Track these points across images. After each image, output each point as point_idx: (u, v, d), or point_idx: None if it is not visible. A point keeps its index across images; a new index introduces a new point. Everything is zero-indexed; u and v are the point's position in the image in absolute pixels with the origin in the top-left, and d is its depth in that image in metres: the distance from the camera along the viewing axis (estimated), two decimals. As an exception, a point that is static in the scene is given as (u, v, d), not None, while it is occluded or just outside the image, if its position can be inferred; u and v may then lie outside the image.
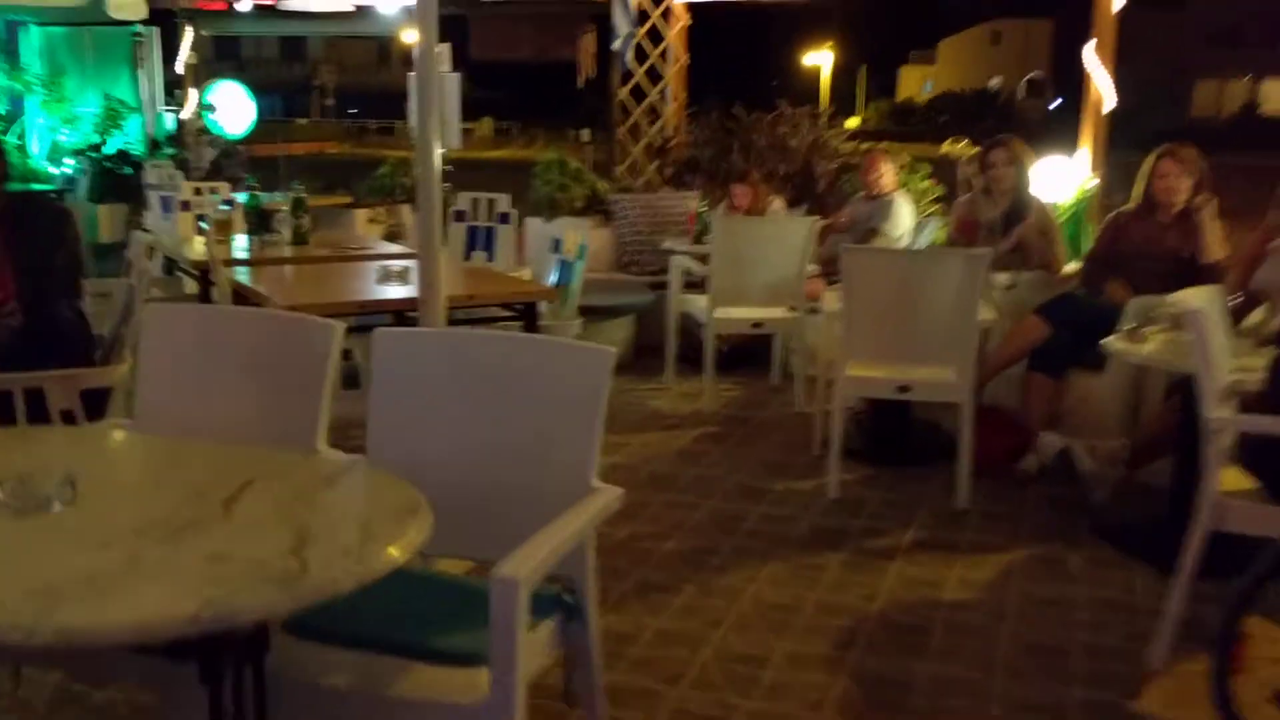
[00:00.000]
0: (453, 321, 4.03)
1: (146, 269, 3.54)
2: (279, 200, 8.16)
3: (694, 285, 5.98)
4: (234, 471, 1.95)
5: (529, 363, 2.24)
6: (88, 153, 9.66)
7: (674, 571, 3.59)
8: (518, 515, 2.24)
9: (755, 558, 3.71)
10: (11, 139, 9.90)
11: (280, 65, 50.24)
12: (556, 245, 4.26)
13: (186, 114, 9.91)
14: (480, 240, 5.36)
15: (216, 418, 2.50)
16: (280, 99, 48.22)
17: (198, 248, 4.58)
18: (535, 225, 7.58)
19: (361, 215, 8.15)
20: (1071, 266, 5.39)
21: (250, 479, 1.91)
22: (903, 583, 3.55)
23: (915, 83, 68.07)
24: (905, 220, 6.60)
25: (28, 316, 3.51)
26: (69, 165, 9.74)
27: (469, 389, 2.27)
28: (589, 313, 6.17)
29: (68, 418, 3.13)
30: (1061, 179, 6.51)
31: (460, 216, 5.41)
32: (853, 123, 8.12)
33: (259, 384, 2.48)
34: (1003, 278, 5.12)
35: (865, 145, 7.68)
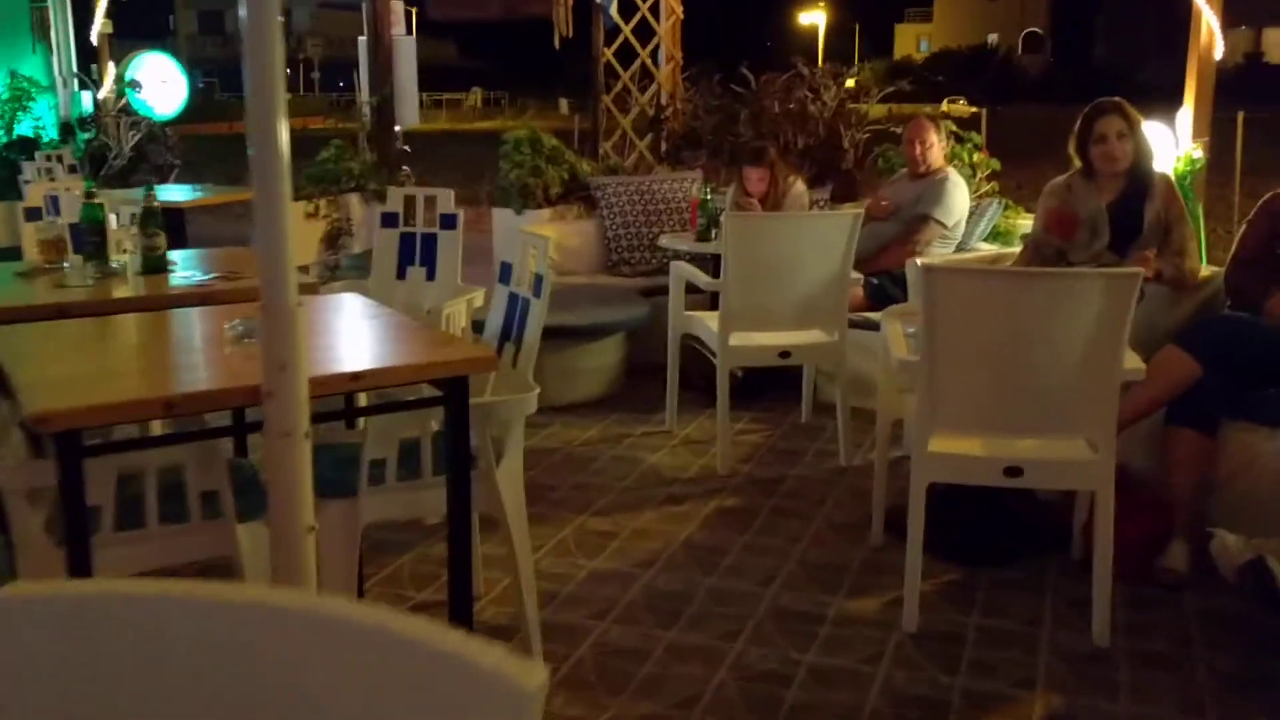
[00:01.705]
0: (344, 408, 2.71)
1: None
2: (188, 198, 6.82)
3: (698, 291, 4.68)
4: None
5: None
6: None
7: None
8: None
9: (811, 765, 2.40)
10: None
11: (262, 39, 48.81)
12: (505, 273, 2.92)
13: (104, 92, 8.53)
14: (417, 252, 4.03)
15: None
16: (263, 74, 46.58)
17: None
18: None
19: (298, 211, 6.79)
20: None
21: None
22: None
23: (911, 40, 67.07)
24: (960, 204, 5.28)
25: None
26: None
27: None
28: (565, 335, 4.85)
29: None
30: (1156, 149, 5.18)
31: (390, 221, 4.08)
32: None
33: None
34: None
35: (906, 109, 6.33)
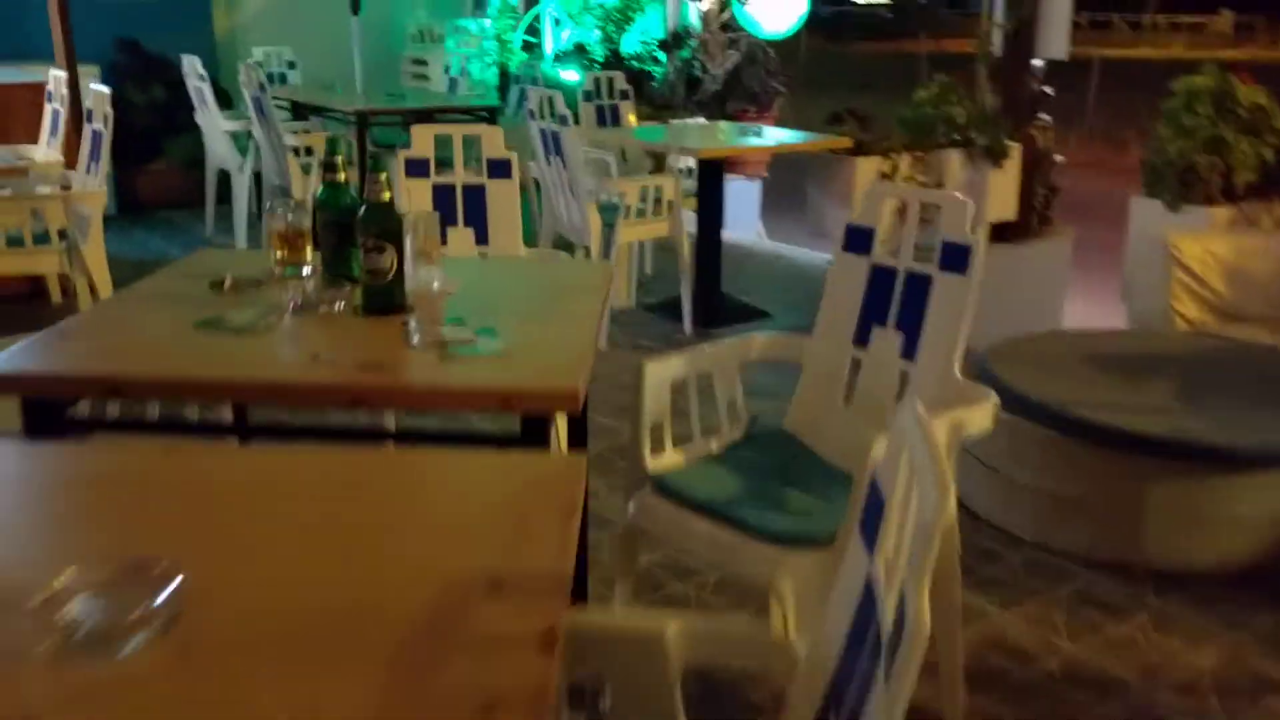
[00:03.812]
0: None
1: None
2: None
3: None
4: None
5: None
6: (579, 55, 7.57)
7: None
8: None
9: None
10: (516, 37, 8.12)
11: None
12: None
13: (707, 3, 7.34)
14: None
15: None
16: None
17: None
18: (1147, 215, 3.97)
19: (863, 167, 5.04)
20: None
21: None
22: None
23: None
24: None
25: None
26: (575, 71, 7.69)
27: None
28: (1197, 458, 2.67)
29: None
30: None
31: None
32: None
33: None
34: None
35: None
